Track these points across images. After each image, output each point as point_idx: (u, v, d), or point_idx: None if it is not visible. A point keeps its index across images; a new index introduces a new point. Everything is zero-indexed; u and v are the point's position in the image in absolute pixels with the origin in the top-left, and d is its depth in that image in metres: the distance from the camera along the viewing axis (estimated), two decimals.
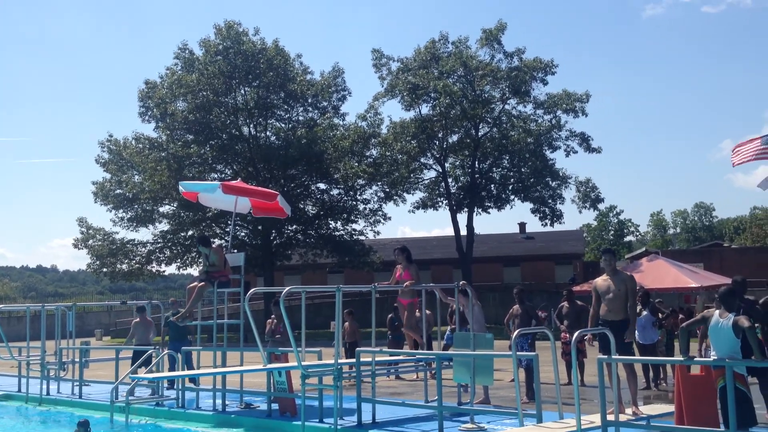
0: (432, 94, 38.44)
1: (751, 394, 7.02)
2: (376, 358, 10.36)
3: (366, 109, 40.07)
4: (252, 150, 37.67)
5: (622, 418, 8.09)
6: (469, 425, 9.04)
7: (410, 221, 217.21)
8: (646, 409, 8.89)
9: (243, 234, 38.87)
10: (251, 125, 38.94)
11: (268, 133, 39.63)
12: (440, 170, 40.89)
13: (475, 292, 11.32)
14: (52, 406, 13.45)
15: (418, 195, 41.98)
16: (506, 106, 40.01)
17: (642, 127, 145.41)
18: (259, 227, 37.30)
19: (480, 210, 40.22)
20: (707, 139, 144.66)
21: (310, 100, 39.38)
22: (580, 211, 41.04)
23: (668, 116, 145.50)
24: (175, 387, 12.53)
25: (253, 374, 11.68)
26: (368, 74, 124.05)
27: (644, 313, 12.81)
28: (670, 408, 8.57)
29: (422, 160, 41.27)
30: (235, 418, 10.89)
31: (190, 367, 12.89)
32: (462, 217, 40.39)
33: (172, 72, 38.39)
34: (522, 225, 54.76)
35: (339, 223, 40.34)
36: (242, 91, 38.40)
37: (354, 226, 40.27)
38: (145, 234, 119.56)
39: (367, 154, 39.61)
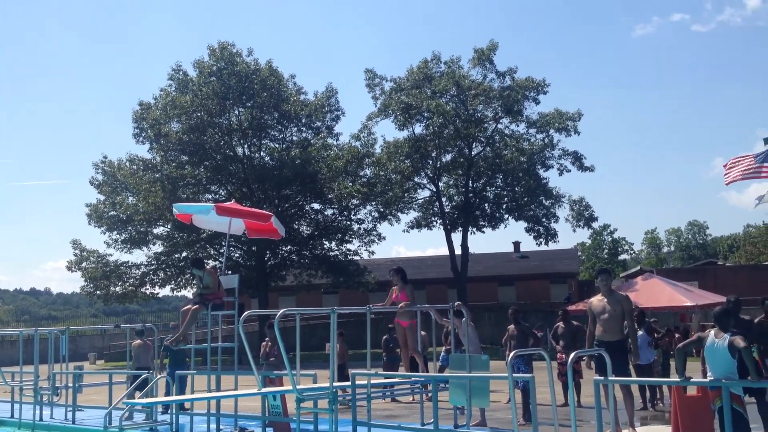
0: (425, 114, 38.63)
1: (747, 415, 6.99)
2: (372, 381, 10.28)
3: (360, 129, 40.31)
4: (246, 170, 37.69)
5: None
6: None
7: (405, 241, 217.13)
8: (643, 430, 8.85)
9: (237, 255, 38.78)
10: (245, 146, 39.00)
11: (262, 153, 39.69)
12: (434, 189, 41.00)
13: (470, 313, 11.28)
14: None
15: (413, 214, 42.11)
16: (499, 126, 40.25)
17: (635, 146, 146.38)
18: (254, 248, 37.21)
19: (474, 229, 40.27)
20: (700, 157, 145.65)
21: (303, 120, 39.50)
22: (574, 230, 41.23)
23: (661, 134, 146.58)
24: (169, 412, 12.40)
25: (247, 398, 11.57)
26: (362, 94, 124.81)
27: (640, 332, 12.77)
28: (667, 429, 8.54)
29: (416, 179, 41.38)
30: None
31: (183, 392, 12.76)
32: (456, 237, 40.50)
33: (166, 93, 38.50)
34: (516, 244, 54.80)
35: (333, 243, 40.31)
36: (236, 112, 38.50)
37: (348, 246, 40.26)
38: (139, 256, 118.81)
39: (361, 173, 39.70)
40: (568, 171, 39.65)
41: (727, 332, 7.06)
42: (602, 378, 8.00)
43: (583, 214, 39.27)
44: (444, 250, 42.47)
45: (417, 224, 41.73)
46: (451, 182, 42.02)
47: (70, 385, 14.05)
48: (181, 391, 12.91)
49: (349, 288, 40.42)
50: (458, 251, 40.12)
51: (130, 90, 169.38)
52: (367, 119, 40.35)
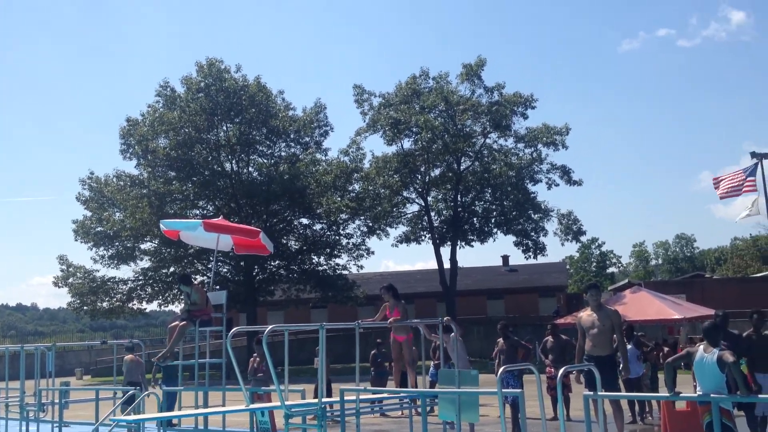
0: (414, 129, 38.75)
1: (737, 429, 7.01)
2: (360, 396, 10.24)
3: (348, 144, 40.35)
4: (234, 186, 37.62)
5: None
6: None
7: (393, 255, 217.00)
8: None
9: (225, 270, 38.62)
10: (233, 161, 38.94)
11: (250, 168, 39.64)
12: (423, 204, 41.06)
13: (459, 328, 11.28)
14: None
15: (401, 229, 42.09)
16: (487, 140, 40.42)
17: (622, 159, 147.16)
18: (242, 263, 37.07)
19: (463, 243, 40.32)
20: (687, 170, 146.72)
21: (292, 136, 39.53)
22: (563, 244, 41.40)
23: (648, 148, 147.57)
24: (163, 427, 12.27)
25: (235, 413, 11.48)
26: (350, 110, 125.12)
27: (629, 346, 12.80)
28: None
29: (405, 194, 41.44)
30: None
31: (173, 407, 12.66)
32: (445, 251, 40.53)
33: (153, 109, 38.42)
34: (505, 258, 54.87)
35: (322, 258, 40.23)
36: (224, 128, 38.47)
37: (337, 260, 40.22)
38: (126, 271, 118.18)
39: (350, 188, 39.70)
40: (557, 185, 39.85)
41: (717, 347, 7.09)
42: (592, 393, 8.00)
43: (571, 228, 39.41)
44: (433, 264, 42.52)
45: (406, 239, 41.74)
46: (440, 197, 42.11)
47: (57, 401, 13.91)
48: (171, 407, 12.81)
49: (337, 302, 40.31)
50: (447, 265, 40.14)
51: (117, 106, 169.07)
52: (356, 134, 40.47)
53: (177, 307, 38.39)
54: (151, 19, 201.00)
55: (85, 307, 38.77)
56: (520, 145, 39.96)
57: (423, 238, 41.66)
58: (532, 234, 39.28)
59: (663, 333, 24.09)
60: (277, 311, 45.80)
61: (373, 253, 41.20)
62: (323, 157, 40.28)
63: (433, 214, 41.24)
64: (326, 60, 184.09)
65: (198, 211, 38.29)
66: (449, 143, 38.28)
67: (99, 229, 38.56)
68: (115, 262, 38.72)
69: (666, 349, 15.03)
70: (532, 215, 39.26)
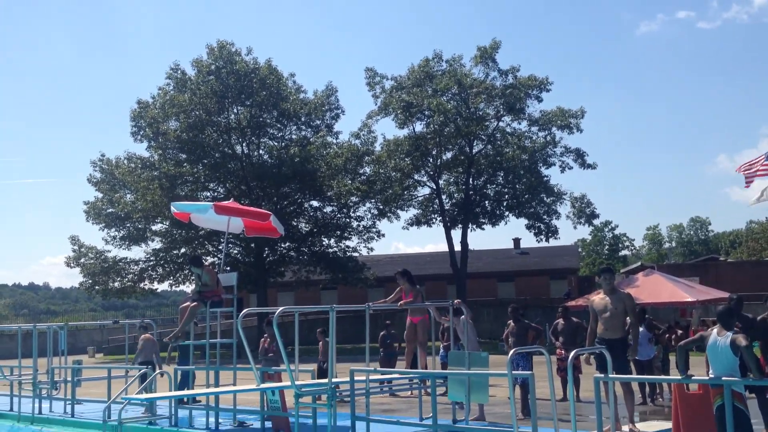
0: (426, 112, 38.57)
1: (749, 412, 6.96)
2: (370, 377, 10.28)
3: (359, 127, 40.26)
4: (245, 168, 37.66)
5: None
6: None
7: (404, 237, 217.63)
8: (643, 426, 8.82)
9: (236, 252, 38.76)
10: (244, 144, 38.97)
11: (261, 151, 39.67)
12: (434, 187, 40.95)
13: (469, 311, 11.27)
14: (44, 425, 13.27)
15: (412, 212, 42.05)
16: (501, 124, 40.19)
17: (637, 142, 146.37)
18: (252, 245, 37.19)
19: (474, 226, 40.23)
20: (703, 153, 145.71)
21: (303, 119, 39.46)
22: (575, 227, 41.21)
23: (663, 131, 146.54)
24: (186, 404, 12.37)
25: (246, 392, 11.56)
26: (362, 93, 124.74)
27: (640, 329, 12.77)
28: (667, 425, 8.51)
29: (416, 177, 41.34)
30: None
31: (190, 386, 12.78)
32: (456, 233, 40.47)
33: (164, 92, 38.45)
34: (516, 240, 54.83)
35: (332, 240, 40.30)
36: (235, 110, 38.44)
37: (347, 242, 40.29)
38: (137, 252, 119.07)
39: (361, 171, 39.69)
40: (570, 168, 39.62)
41: (730, 330, 7.04)
42: (602, 376, 7.98)
43: (584, 211, 39.25)
44: (443, 246, 42.51)
45: (416, 221, 41.70)
46: (452, 180, 41.98)
47: (69, 379, 14.06)
48: (185, 385, 12.93)
49: (347, 284, 40.44)
50: (458, 248, 40.11)
51: (128, 89, 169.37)
52: (367, 117, 40.34)
53: (188, 288, 38.68)
54: (163, 1, 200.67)
55: (96, 287, 39.12)
56: (534, 129, 39.74)
57: (434, 221, 41.63)
58: (545, 217, 39.15)
59: (675, 316, 24.01)
60: (287, 292, 46.00)
61: (383, 235, 41.26)
62: (334, 140, 40.30)
63: (444, 197, 41.17)
64: (338, 43, 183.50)
65: (209, 194, 38.42)
66: (462, 126, 38.09)
67: (110, 210, 38.80)
68: (127, 243, 39.00)
69: (679, 331, 14.95)
70: (545, 198, 39.10)
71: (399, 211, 41.02)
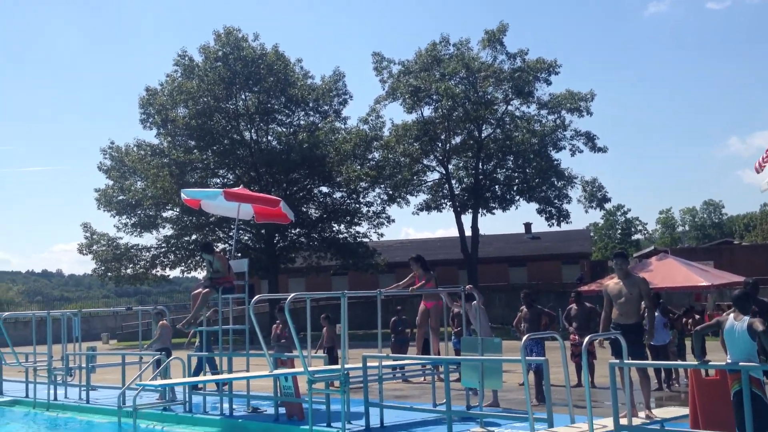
0: (434, 97, 38.38)
1: (767, 398, 6.89)
2: (383, 363, 10.28)
3: (368, 113, 40.14)
4: (254, 155, 37.65)
5: (635, 421, 7.96)
6: (479, 429, 8.93)
7: (414, 222, 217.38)
8: (660, 412, 8.75)
9: (246, 238, 38.85)
10: (252, 130, 38.95)
11: (269, 137, 39.64)
12: (443, 172, 40.82)
13: (481, 296, 11.23)
14: (60, 411, 13.39)
15: (422, 197, 41.97)
16: (509, 107, 39.94)
17: (648, 125, 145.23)
18: (262, 231, 37.27)
19: (484, 211, 40.13)
20: (714, 135, 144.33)
21: (311, 105, 39.39)
22: (587, 211, 40.97)
23: (675, 113, 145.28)
24: (199, 390, 12.43)
25: (259, 378, 11.59)
26: (369, 78, 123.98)
27: (655, 314, 12.68)
28: (684, 411, 8.44)
29: (425, 162, 41.22)
30: (242, 422, 10.83)
31: (200, 372, 12.86)
32: (466, 219, 40.38)
33: (172, 79, 38.46)
34: (527, 225, 54.71)
35: (342, 225, 40.31)
36: (243, 97, 38.39)
37: (357, 228, 40.28)
38: (149, 239, 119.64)
39: (370, 157, 39.60)
40: (581, 152, 39.42)
41: (747, 315, 6.96)
42: (618, 362, 7.92)
43: (596, 195, 39.07)
44: (454, 231, 42.45)
45: (426, 207, 41.62)
46: (461, 164, 41.83)
47: (84, 365, 14.15)
48: (204, 370, 13.04)
49: (358, 270, 40.48)
50: (468, 233, 40.04)
51: (136, 76, 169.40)
52: (375, 102, 40.18)
53: (200, 274, 38.84)
54: None
55: (109, 274, 39.37)
56: (543, 112, 39.50)
57: (444, 205, 41.55)
58: (556, 201, 38.99)
59: (690, 300, 23.87)
60: (298, 278, 46.09)
61: (393, 221, 41.23)
62: (342, 126, 40.22)
63: (454, 182, 41.04)
64: (345, 28, 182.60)
65: (218, 180, 38.47)
66: (470, 111, 37.88)
67: (121, 197, 38.96)
68: (138, 229, 39.19)
69: (697, 316, 14.82)
70: (556, 182, 38.93)
71: (408, 197, 41.00)
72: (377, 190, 40.13)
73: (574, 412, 8.31)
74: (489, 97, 39.11)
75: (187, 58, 38.53)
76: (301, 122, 39.89)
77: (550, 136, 39.02)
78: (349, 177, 38.00)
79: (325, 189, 40.55)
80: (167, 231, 39.74)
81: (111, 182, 39.91)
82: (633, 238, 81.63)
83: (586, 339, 8.11)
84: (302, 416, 10.21)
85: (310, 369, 9.36)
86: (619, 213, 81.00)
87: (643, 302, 9.09)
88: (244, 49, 37.06)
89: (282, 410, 10.74)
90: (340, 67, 62.41)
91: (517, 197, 39.84)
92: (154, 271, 39.86)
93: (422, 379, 13.92)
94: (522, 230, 54.98)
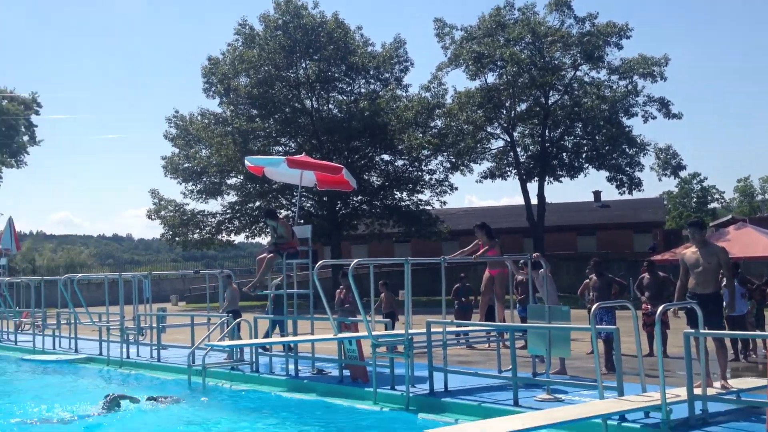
0: (498, 63, 37.57)
1: None
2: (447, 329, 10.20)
3: (429, 80, 39.62)
4: (315, 123, 37.80)
5: (710, 391, 7.67)
6: (546, 396, 8.78)
7: (477, 190, 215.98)
8: (736, 383, 8.41)
9: (309, 205, 39.22)
10: (313, 98, 39.08)
11: (330, 106, 39.71)
12: (508, 140, 40.11)
13: (548, 265, 10.97)
14: (132, 369, 13.88)
15: (486, 165, 41.39)
16: (578, 73, 38.81)
17: (726, 90, 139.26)
18: (325, 198, 37.54)
19: (551, 179, 39.32)
20: None
21: (371, 72, 39.19)
22: (660, 179, 39.36)
23: (754, 77, 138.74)
24: (266, 350, 12.65)
25: (324, 341, 11.70)
26: (431, 44, 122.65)
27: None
28: (762, 382, 8.10)
29: (489, 129, 40.54)
30: (307, 383, 10.96)
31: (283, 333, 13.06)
32: (532, 186, 39.66)
33: (233, 48, 38.85)
34: (597, 193, 53.55)
35: (404, 193, 40.23)
36: (303, 65, 38.46)
37: (420, 196, 40.15)
38: (214, 205, 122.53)
39: (432, 124, 39.25)
40: (654, 118, 38.02)
41: None
42: (693, 331, 7.63)
43: (669, 163, 37.78)
44: (519, 199, 41.85)
45: (490, 174, 41.04)
46: (527, 132, 40.99)
47: (154, 325, 14.59)
48: (277, 332, 13.24)
49: (421, 237, 40.41)
50: (534, 201, 39.36)
51: (199, 46, 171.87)
52: (437, 69, 39.55)
53: (264, 240, 39.54)
54: None
55: (177, 238, 40.40)
56: (614, 77, 38.22)
57: (509, 173, 40.89)
58: (627, 169, 37.85)
59: None
60: (360, 245, 46.36)
61: (456, 189, 40.91)
62: (404, 94, 39.91)
63: (519, 149, 40.29)
64: None
65: (280, 148, 38.83)
66: (536, 77, 36.96)
67: (186, 165, 39.75)
68: (204, 196, 40.03)
69: None
70: (627, 150, 37.75)
71: (472, 164, 40.48)
72: (440, 157, 39.83)
73: (645, 381, 8.06)
74: (556, 62, 38.07)
75: (247, 27, 38.81)
76: (362, 90, 39.77)
77: (622, 102, 37.74)
78: (411, 145, 37.77)
79: (386, 157, 40.48)
80: (232, 198, 40.52)
81: (177, 150, 40.75)
82: (709, 206, 78.94)
83: (660, 308, 7.83)
84: (366, 379, 10.25)
85: (373, 333, 9.36)
86: (694, 181, 78.38)
87: (721, 272, 8.72)
88: (303, 18, 37.03)
89: (346, 372, 10.83)
90: (401, 34, 61.65)
91: (586, 165, 38.82)
92: (219, 237, 40.72)
93: (486, 345, 13.82)
94: (591, 198, 53.85)
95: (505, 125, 39.97)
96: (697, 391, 7.40)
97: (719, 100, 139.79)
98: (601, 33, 36.85)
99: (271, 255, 11.90)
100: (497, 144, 41.13)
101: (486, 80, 38.94)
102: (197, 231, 40.18)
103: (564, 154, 39.40)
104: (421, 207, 39.82)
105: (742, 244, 19.84)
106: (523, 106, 39.80)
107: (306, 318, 11.98)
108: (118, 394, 9.95)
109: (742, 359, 12.68)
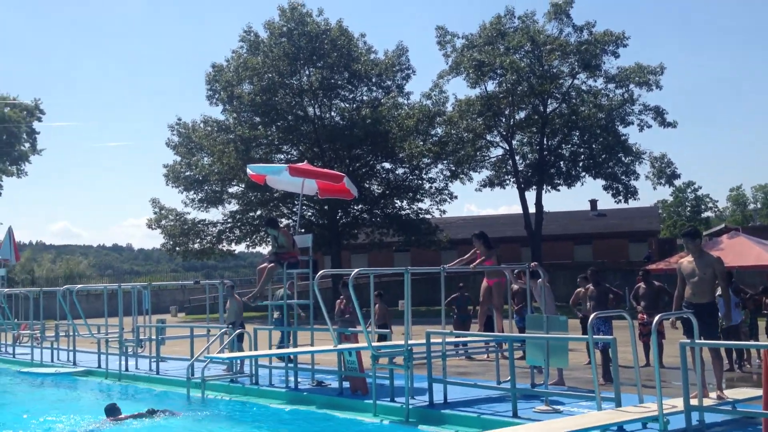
0: (498, 71, 37.70)
1: None
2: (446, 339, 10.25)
3: (431, 88, 39.75)
4: (317, 130, 37.91)
5: (706, 402, 7.74)
6: (544, 407, 8.84)
7: (476, 199, 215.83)
8: (731, 393, 8.48)
9: (310, 214, 39.28)
10: (316, 106, 39.19)
11: (332, 113, 39.82)
12: (507, 148, 40.21)
13: (546, 274, 11.05)
14: (131, 382, 13.85)
15: (485, 173, 41.47)
16: (576, 81, 38.96)
17: (719, 99, 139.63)
18: (326, 207, 37.62)
19: (549, 187, 39.43)
20: None
21: (374, 80, 39.32)
22: (655, 188, 39.51)
23: (746, 86, 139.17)
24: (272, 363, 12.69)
25: (324, 353, 11.74)
26: (433, 52, 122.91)
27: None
28: (757, 392, 8.15)
29: (488, 137, 40.66)
30: (307, 395, 10.99)
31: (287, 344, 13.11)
32: (530, 195, 39.75)
33: (237, 55, 38.98)
34: (593, 202, 53.63)
35: (405, 202, 40.32)
36: (307, 72, 38.61)
37: (420, 204, 40.25)
38: (215, 214, 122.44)
39: (433, 132, 39.38)
40: (649, 127, 38.11)
41: None
42: (689, 341, 7.70)
43: (664, 171, 37.84)
44: (517, 208, 41.89)
45: (489, 183, 41.11)
46: (525, 140, 41.10)
47: (154, 337, 14.56)
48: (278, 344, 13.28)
49: (420, 246, 40.47)
50: (532, 209, 39.44)
51: (203, 53, 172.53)
52: (438, 77, 39.70)
53: (264, 249, 39.59)
54: None
55: (177, 248, 40.41)
56: (611, 86, 38.33)
57: (507, 182, 40.97)
58: (623, 177, 37.95)
59: (762, 279, 23.08)
60: (360, 254, 46.42)
61: (456, 197, 41.01)
62: (405, 101, 40.08)
63: (517, 158, 40.40)
64: (408, 1, 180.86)
65: (282, 156, 38.93)
66: (535, 85, 37.13)
67: (188, 173, 39.82)
68: (205, 205, 40.08)
69: None
70: (623, 158, 37.85)
71: (471, 173, 40.59)
72: (440, 166, 39.96)
73: (642, 391, 8.13)
74: (555, 71, 38.23)
75: (252, 34, 39.00)
76: (364, 98, 39.93)
77: (618, 110, 37.89)
78: (412, 153, 37.90)
79: (387, 165, 40.59)
80: (233, 206, 40.58)
81: (178, 158, 40.83)
82: (703, 215, 79.16)
83: (656, 318, 7.91)
84: (366, 390, 10.30)
85: (373, 344, 9.41)
86: (688, 190, 78.58)
87: (716, 281, 8.80)
88: (308, 25, 37.22)
89: (346, 384, 10.87)
90: (403, 41, 62.08)
91: (583, 173, 38.95)
92: (220, 246, 40.75)
93: (485, 356, 13.87)
94: (587, 207, 53.94)
95: (504, 133, 40.09)
96: (694, 401, 7.45)
97: (712, 109, 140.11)
98: (598, 41, 37.02)
99: (272, 265, 11.93)
100: (496, 152, 41.29)
101: (486, 88, 39.11)
102: (198, 240, 40.22)
103: (561, 163, 39.51)
104: (420, 216, 39.91)
105: (734, 254, 19.90)
106: (522, 114, 39.93)
107: (306, 329, 12.03)
108: (150, 408, 9.98)
109: (737, 369, 12.72)
